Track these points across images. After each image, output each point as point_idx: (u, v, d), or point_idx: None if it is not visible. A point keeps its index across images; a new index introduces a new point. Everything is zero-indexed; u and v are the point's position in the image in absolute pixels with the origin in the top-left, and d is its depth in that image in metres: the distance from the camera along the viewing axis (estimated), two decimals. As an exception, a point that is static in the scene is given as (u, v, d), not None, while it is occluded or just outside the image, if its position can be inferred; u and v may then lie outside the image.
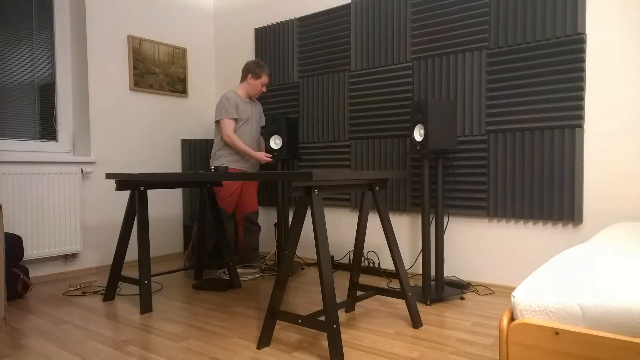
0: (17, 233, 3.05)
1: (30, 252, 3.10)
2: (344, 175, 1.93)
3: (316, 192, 1.89)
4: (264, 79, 3.38)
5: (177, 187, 3.05)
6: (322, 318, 2.11)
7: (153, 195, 3.91)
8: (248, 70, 3.36)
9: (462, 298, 2.66)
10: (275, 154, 3.24)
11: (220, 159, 3.31)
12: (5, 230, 2.99)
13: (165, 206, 4.02)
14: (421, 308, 2.49)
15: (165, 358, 1.87)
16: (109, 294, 2.72)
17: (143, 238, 2.55)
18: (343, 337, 2.08)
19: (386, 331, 2.14)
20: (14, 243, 2.77)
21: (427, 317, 2.35)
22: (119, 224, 3.68)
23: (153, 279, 3.19)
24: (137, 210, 2.57)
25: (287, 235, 1.98)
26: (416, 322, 2.21)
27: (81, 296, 2.80)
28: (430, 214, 3.09)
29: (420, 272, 3.19)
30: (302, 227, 2.03)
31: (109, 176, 2.64)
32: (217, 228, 2.98)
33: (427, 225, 2.68)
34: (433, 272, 3.03)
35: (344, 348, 1.95)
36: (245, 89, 3.39)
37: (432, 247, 3.07)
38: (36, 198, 3.14)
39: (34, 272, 3.22)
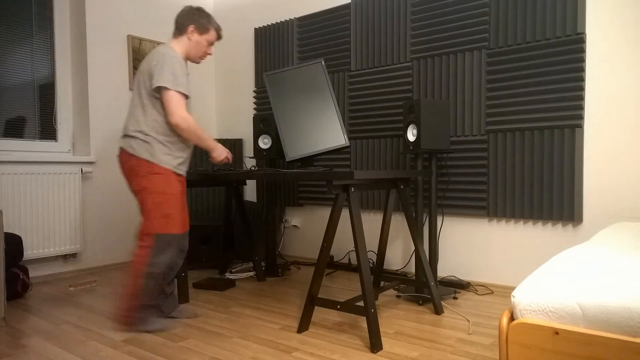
0: (17, 233, 3.05)
1: (30, 252, 3.10)
2: (377, 175, 2.10)
3: (352, 190, 2.06)
4: (212, 34, 2.35)
5: (210, 186, 3.12)
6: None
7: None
8: (190, 20, 2.28)
9: (455, 298, 2.66)
10: (264, 154, 3.21)
11: (159, 153, 2.17)
12: (5, 230, 2.99)
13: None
14: (417, 308, 2.49)
15: (165, 358, 1.87)
16: None
17: None
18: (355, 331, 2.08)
19: (386, 331, 2.15)
20: (14, 243, 2.77)
21: (426, 317, 2.35)
22: (119, 223, 3.68)
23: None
24: None
25: (326, 230, 2.13)
26: (439, 310, 2.39)
27: (81, 296, 2.80)
28: (424, 213, 3.09)
29: (414, 272, 3.18)
30: (338, 222, 2.24)
31: None
32: (244, 226, 3.17)
33: (421, 224, 2.68)
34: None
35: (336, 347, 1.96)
36: (185, 49, 2.29)
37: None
38: (36, 198, 3.14)
39: (34, 272, 3.22)
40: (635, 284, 1.05)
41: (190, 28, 2.27)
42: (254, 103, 4.12)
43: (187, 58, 2.32)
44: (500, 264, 2.89)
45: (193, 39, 2.29)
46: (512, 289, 2.83)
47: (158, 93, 2.15)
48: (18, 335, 2.14)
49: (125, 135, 2.22)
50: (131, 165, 2.18)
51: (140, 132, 2.17)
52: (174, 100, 2.12)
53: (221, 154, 2.35)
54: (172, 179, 2.20)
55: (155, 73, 2.12)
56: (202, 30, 2.30)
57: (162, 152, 2.18)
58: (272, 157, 3.22)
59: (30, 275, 3.19)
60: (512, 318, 1.14)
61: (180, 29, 2.29)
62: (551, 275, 1.17)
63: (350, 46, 3.47)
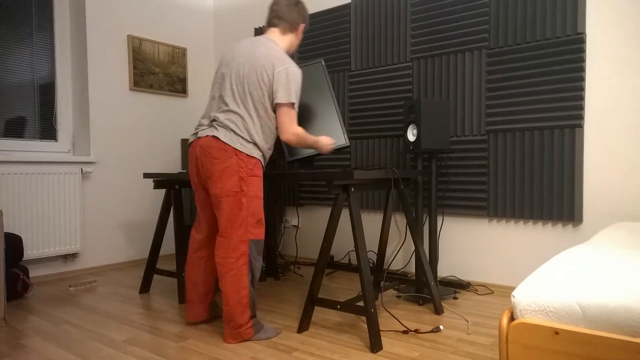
0: (17, 233, 3.05)
1: (30, 252, 3.10)
2: (377, 175, 2.12)
3: (352, 190, 2.06)
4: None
5: None
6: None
7: (156, 195, 3.91)
8: (303, 18, 2.17)
9: (455, 298, 2.66)
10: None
11: (258, 154, 2.07)
12: (5, 230, 2.99)
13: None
14: (417, 308, 2.49)
15: (165, 358, 1.87)
16: (145, 287, 2.87)
17: (179, 233, 2.69)
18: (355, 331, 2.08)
19: (386, 332, 2.14)
20: (14, 243, 2.77)
21: (426, 317, 2.35)
22: (119, 223, 3.68)
23: (167, 277, 3.19)
24: (173, 208, 2.72)
25: (326, 230, 2.13)
26: (439, 310, 2.38)
27: (81, 296, 2.80)
28: (424, 213, 3.09)
29: (414, 272, 3.18)
30: (338, 222, 2.22)
31: (146, 176, 2.77)
32: None
33: (421, 224, 2.68)
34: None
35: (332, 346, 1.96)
36: (289, 47, 2.18)
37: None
38: (36, 198, 3.14)
39: (34, 272, 3.22)
40: (635, 284, 1.05)
41: (302, 27, 2.17)
42: (254, 103, 4.12)
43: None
44: (500, 264, 2.89)
45: (299, 37, 2.18)
46: (512, 289, 2.83)
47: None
48: (18, 335, 2.14)
49: (221, 124, 1.97)
50: (230, 164, 1.94)
51: (243, 125, 1.99)
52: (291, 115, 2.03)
53: (327, 143, 2.20)
54: (262, 181, 2.07)
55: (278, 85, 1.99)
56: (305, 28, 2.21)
57: (259, 153, 2.06)
58: (272, 158, 3.22)
59: (30, 275, 3.19)
60: (512, 318, 1.14)
61: (292, 25, 2.13)
62: (551, 275, 1.17)
63: (350, 46, 3.47)
